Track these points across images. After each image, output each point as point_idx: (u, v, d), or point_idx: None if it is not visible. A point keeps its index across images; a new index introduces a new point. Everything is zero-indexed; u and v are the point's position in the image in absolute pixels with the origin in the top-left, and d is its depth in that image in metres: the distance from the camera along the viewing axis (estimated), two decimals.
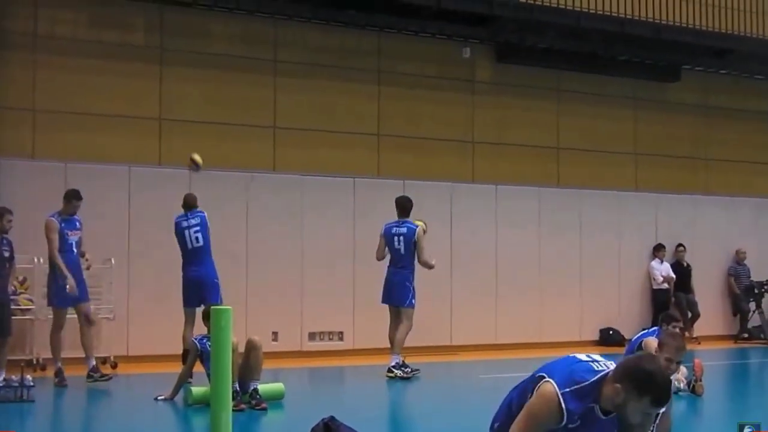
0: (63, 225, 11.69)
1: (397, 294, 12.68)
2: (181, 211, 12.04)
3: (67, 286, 11.40)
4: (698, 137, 19.00)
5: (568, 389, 3.79)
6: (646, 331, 10.60)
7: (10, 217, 11.32)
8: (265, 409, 9.67)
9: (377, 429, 9.16)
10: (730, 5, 18.17)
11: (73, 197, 11.86)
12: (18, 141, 13.51)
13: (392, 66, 16.11)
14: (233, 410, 9.35)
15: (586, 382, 3.81)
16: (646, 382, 3.67)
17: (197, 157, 12.18)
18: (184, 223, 12.01)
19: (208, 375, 9.65)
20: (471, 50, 16.52)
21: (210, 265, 12.01)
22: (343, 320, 15.24)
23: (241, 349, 9.96)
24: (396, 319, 12.70)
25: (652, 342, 9.84)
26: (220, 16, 14.86)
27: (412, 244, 12.64)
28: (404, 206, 12.94)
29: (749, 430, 6.94)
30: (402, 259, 12.71)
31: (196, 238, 11.93)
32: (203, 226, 11.96)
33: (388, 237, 12.80)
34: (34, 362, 12.57)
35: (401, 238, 12.69)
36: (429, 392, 11.87)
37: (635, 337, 9.68)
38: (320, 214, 15.20)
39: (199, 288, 11.76)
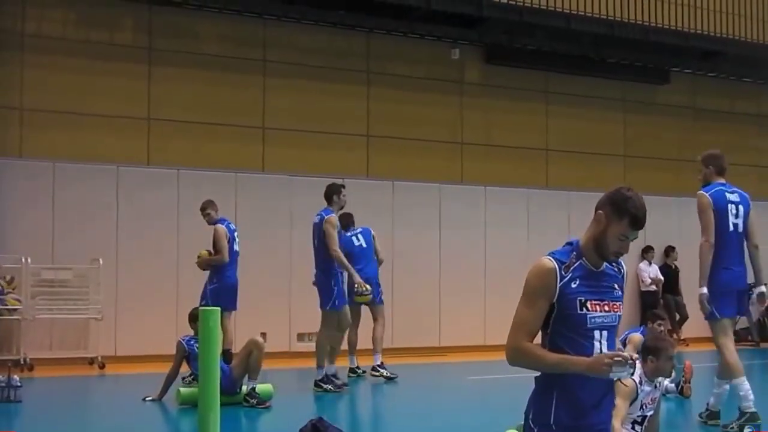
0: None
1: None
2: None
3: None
4: (687, 139, 19.03)
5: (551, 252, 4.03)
6: (632, 329, 10.66)
7: None
8: (267, 407, 9.74)
9: (365, 430, 9.15)
10: (717, 8, 18.24)
11: (342, 187, 11.13)
12: (5, 140, 13.46)
13: (381, 67, 16.11)
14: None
15: (566, 245, 4.09)
16: (625, 203, 3.97)
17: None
18: (233, 226, 11.92)
19: (196, 376, 9.64)
20: (460, 51, 16.53)
21: None
22: None
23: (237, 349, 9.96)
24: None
25: (636, 337, 9.91)
26: (208, 17, 14.83)
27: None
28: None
29: (749, 430, 6.96)
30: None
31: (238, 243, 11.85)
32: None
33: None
34: (22, 362, 12.52)
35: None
36: (416, 393, 11.85)
37: (621, 335, 9.72)
38: (309, 214, 15.09)
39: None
